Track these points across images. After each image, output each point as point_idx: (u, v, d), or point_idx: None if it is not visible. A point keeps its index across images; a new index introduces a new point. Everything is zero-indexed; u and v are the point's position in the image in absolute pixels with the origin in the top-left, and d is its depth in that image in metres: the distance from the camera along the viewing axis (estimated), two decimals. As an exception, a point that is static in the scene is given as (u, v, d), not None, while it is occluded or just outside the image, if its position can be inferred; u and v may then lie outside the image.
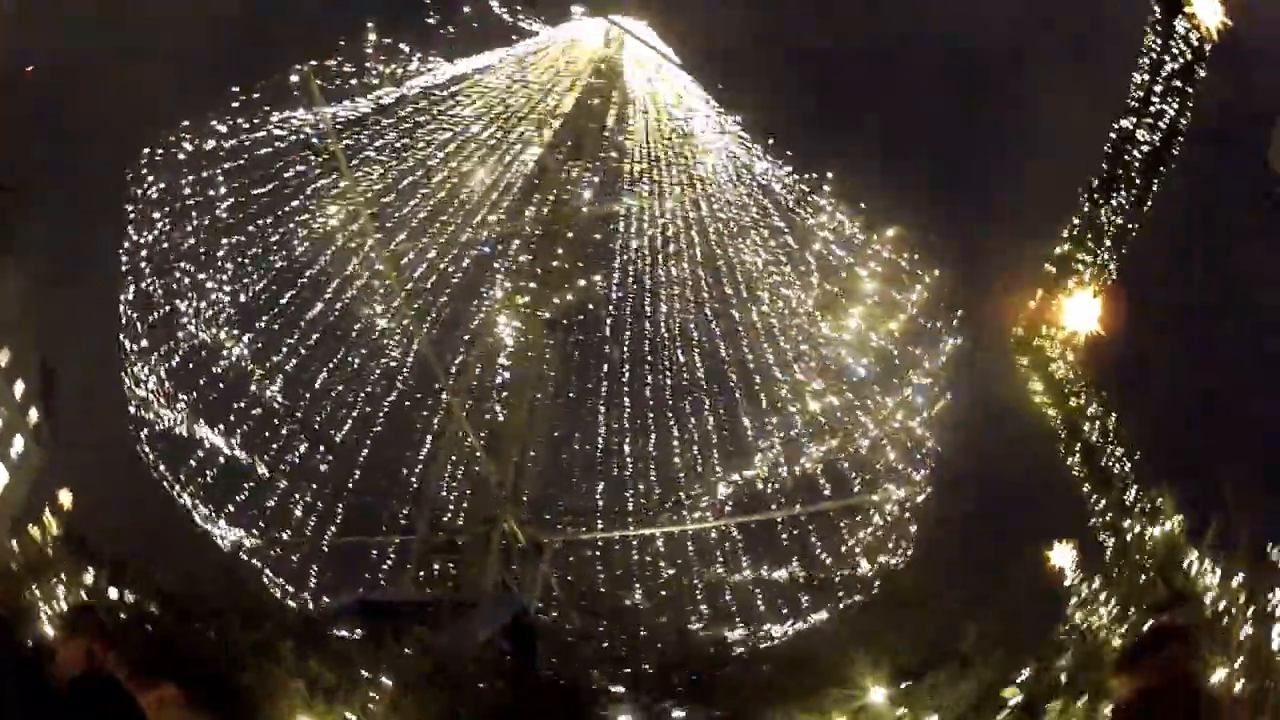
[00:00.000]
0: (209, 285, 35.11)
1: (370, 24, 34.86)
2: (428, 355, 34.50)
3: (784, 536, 31.30)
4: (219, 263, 35.42)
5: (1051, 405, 25.51)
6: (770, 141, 35.47)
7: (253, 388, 35.22)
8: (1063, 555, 22.49)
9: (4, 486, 63.25)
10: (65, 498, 31.98)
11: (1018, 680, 12.37)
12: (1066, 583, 18.45)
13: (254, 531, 36.22)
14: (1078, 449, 25.12)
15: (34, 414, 65.58)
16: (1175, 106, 22.47)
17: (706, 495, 31.72)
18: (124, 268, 35.12)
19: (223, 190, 34.64)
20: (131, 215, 34.15)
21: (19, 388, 64.41)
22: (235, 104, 33.81)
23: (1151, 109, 23.21)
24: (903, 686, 11.80)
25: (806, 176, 33.97)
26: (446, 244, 36.80)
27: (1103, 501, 24.21)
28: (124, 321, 33.94)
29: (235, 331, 35.30)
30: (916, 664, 12.53)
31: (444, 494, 35.14)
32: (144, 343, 33.98)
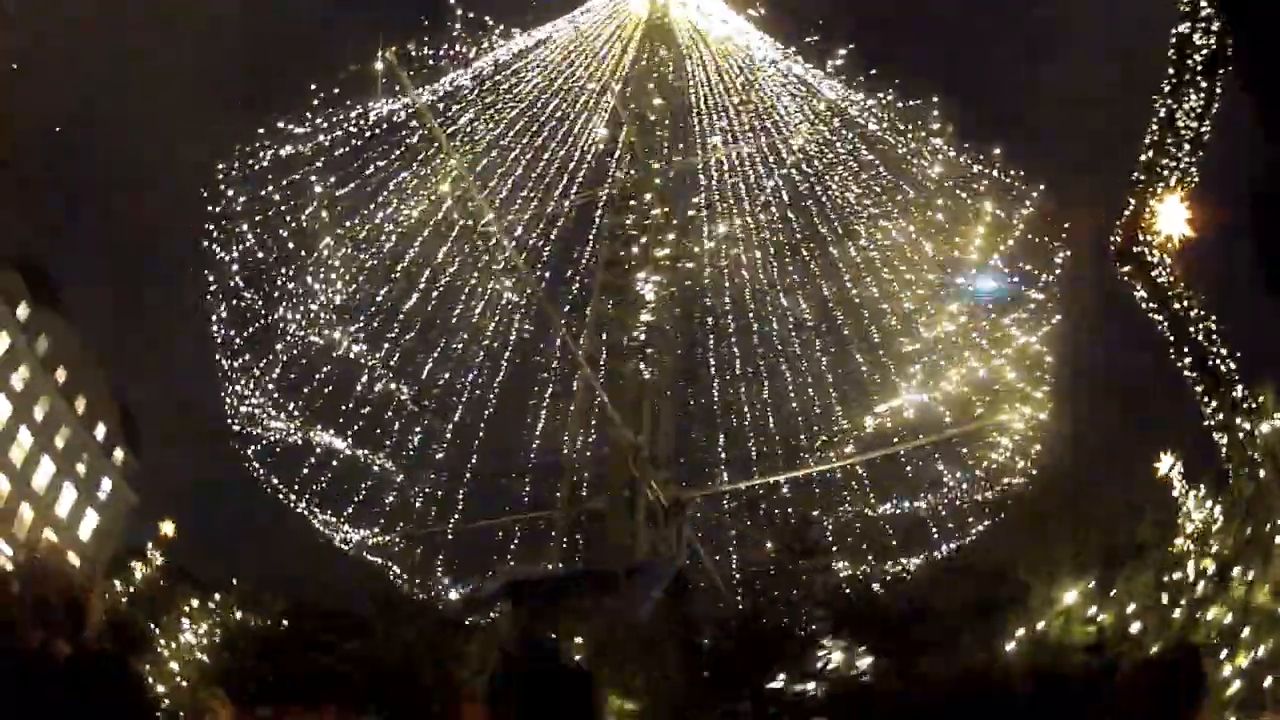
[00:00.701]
0: (310, 288, 37.03)
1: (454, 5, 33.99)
2: (554, 321, 36.40)
3: (908, 469, 32.54)
4: (316, 265, 37.31)
5: (1157, 311, 25.79)
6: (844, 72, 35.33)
7: (365, 382, 36.96)
8: (1168, 464, 23.26)
9: (94, 529, 67.28)
10: (167, 528, 32.16)
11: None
12: (1174, 492, 19.76)
13: (378, 528, 36.60)
14: (1186, 352, 25.44)
15: (119, 454, 69.64)
16: (1224, 8, 22.05)
17: (826, 435, 33.12)
18: (212, 287, 35.64)
19: (310, 192, 36.56)
20: (215, 233, 34.98)
21: (100, 431, 68.79)
22: (313, 102, 35.44)
23: (1202, 12, 22.77)
24: (1090, 585, 12.69)
25: (892, 104, 34.06)
26: (531, 220, 37.64)
27: (1214, 402, 24.52)
28: (220, 341, 35.41)
29: (342, 329, 37.50)
30: (1090, 563, 14.20)
31: (579, 463, 36.05)
32: (245, 357, 36.40)
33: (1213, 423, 24.35)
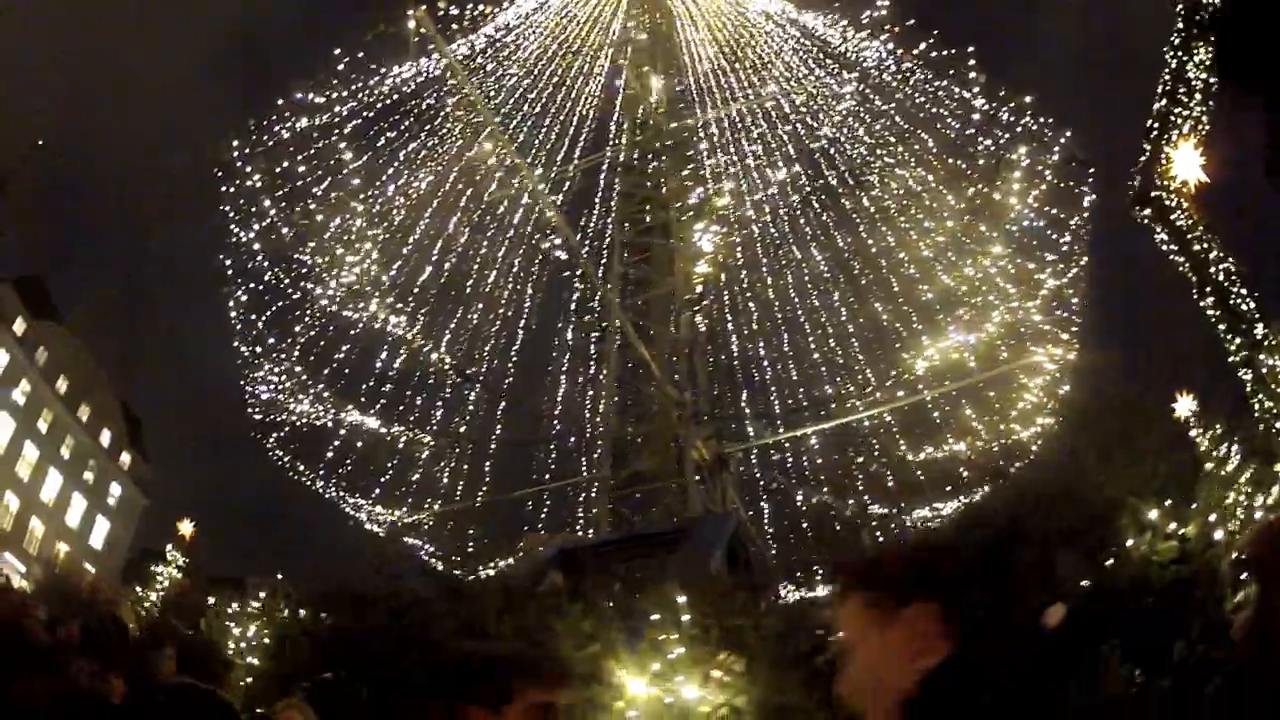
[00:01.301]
0: (333, 261, 36.99)
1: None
2: (593, 277, 36.81)
3: (937, 415, 33.33)
4: (339, 237, 37.23)
5: (1178, 253, 26.78)
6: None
7: (395, 352, 37.01)
8: (1185, 405, 24.43)
9: (107, 534, 66.60)
10: (186, 528, 31.29)
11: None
12: (1192, 432, 21.08)
13: (409, 507, 36.50)
14: (1208, 291, 26.50)
15: (125, 458, 68.95)
16: None
17: (854, 386, 33.81)
18: (229, 270, 35.57)
19: (332, 162, 36.50)
20: (231, 212, 34.62)
21: (105, 436, 68.09)
22: (332, 70, 35.07)
23: None
24: (1167, 503, 13.28)
25: (906, 52, 34.07)
26: (535, 188, 36.85)
27: (1237, 339, 25.66)
28: (240, 327, 35.71)
29: (369, 300, 37.51)
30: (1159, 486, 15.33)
31: (618, 426, 36.52)
32: (268, 340, 36.23)
33: (1236, 359, 25.65)
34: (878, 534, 31.27)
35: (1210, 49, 24.12)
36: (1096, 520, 13.81)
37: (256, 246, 34.82)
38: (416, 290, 36.33)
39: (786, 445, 35.62)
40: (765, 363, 35.76)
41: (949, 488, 32.25)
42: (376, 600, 23.61)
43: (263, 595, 26.66)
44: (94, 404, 65.01)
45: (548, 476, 36.38)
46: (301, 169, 33.91)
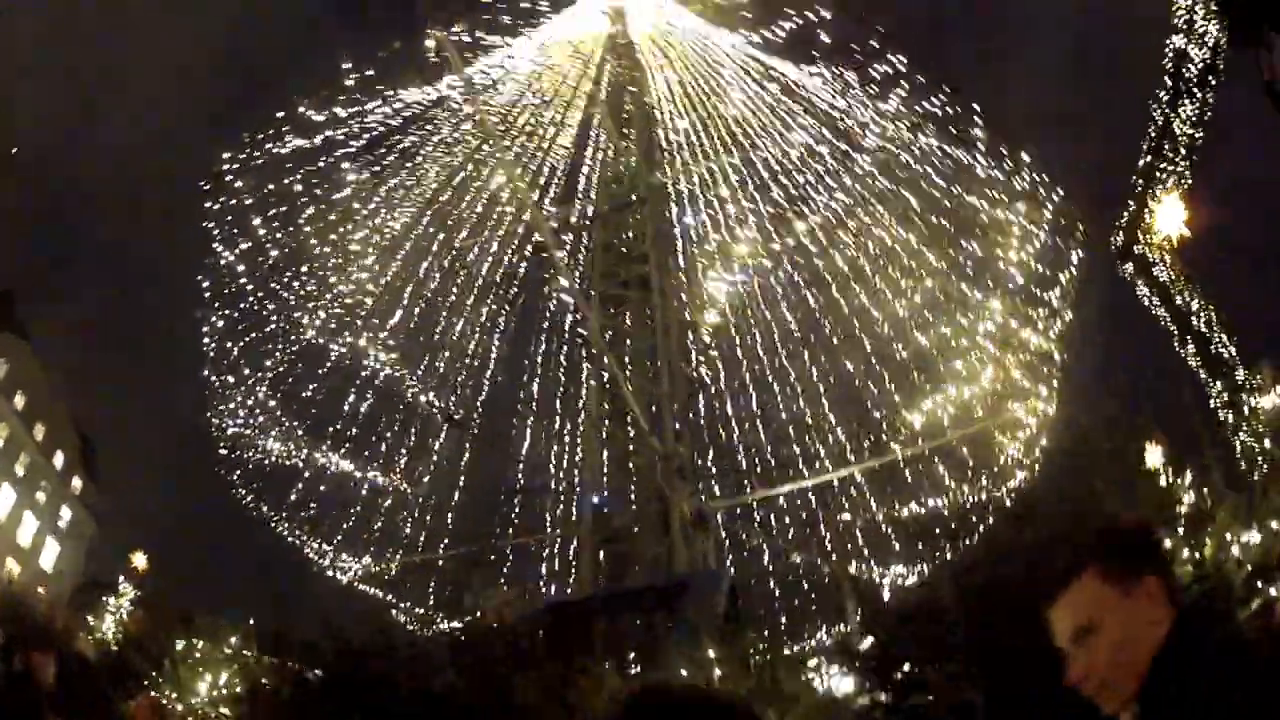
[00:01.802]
0: (327, 287, 34.43)
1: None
2: (592, 331, 36.29)
3: (908, 474, 32.88)
4: (326, 265, 34.18)
5: (1160, 305, 28.04)
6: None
7: (378, 393, 34.29)
8: (1155, 455, 25.12)
9: (56, 557, 63.49)
10: (139, 560, 30.17)
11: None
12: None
13: (384, 556, 34.55)
14: (1189, 340, 27.67)
15: (77, 482, 65.85)
16: (1215, 24, 24.51)
17: (823, 444, 33.29)
18: (209, 295, 33.37)
19: (332, 181, 33.46)
20: (216, 232, 32.68)
21: (59, 459, 65.23)
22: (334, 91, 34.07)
23: (1196, 26, 25.30)
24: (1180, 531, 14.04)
25: (891, 110, 34.32)
26: (506, 236, 36.23)
27: (1219, 383, 26.72)
28: (212, 354, 33.54)
29: (356, 336, 34.39)
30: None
31: (598, 479, 34.37)
32: (243, 371, 33.65)
33: (1218, 402, 26.56)
34: (856, 592, 30.76)
35: (1196, 106, 25.83)
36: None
37: (240, 268, 33.75)
38: (409, 329, 35.15)
39: (770, 503, 34.19)
40: (754, 418, 35.21)
41: (932, 541, 31.89)
42: (373, 652, 23.31)
43: (234, 641, 25.99)
44: (49, 425, 62.20)
45: (510, 531, 35.24)
46: (297, 188, 33.95)
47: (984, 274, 32.16)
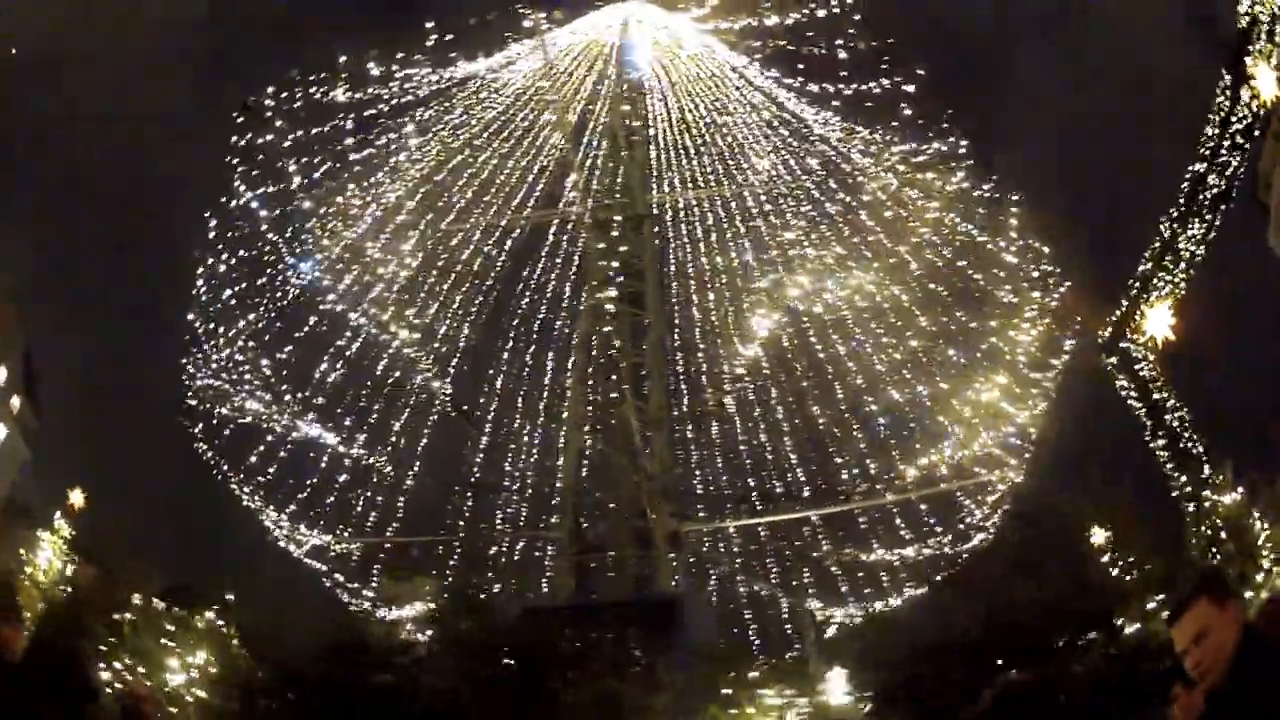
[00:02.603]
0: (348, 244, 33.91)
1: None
2: (587, 344, 35.47)
3: (863, 521, 34.30)
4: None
5: (1138, 399, 30.82)
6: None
7: (384, 366, 34.11)
8: (1099, 537, 27.77)
9: None
10: (77, 497, 28.55)
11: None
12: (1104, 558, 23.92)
13: (338, 533, 33.77)
14: (1161, 434, 30.55)
15: (15, 401, 62.16)
16: (1237, 158, 27.56)
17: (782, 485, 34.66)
18: (213, 236, 32.23)
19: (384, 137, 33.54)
20: (240, 168, 31.79)
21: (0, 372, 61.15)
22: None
23: (1220, 159, 28.32)
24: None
25: (902, 154, 33.09)
26: (487, 228, 36.21)
27: (1184, 477, 29.66)
28: (202, 299, 32.48)
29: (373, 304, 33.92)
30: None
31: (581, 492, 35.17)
32: (229, 321, 32.65)
33: (1180, 494, 29.44)
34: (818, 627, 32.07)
35: (1204, 226, 28.80)
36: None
37: (255, 206, 32.39)
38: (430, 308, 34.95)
39: (746, 531, 35.22)
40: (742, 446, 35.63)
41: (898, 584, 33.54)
42: (378, 651, 23.05)
43: (209, 616, 26.28)
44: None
45: (494, 524, 35.52)
46: (339, 140, 32.80)
47: (974, 343, 34.23)
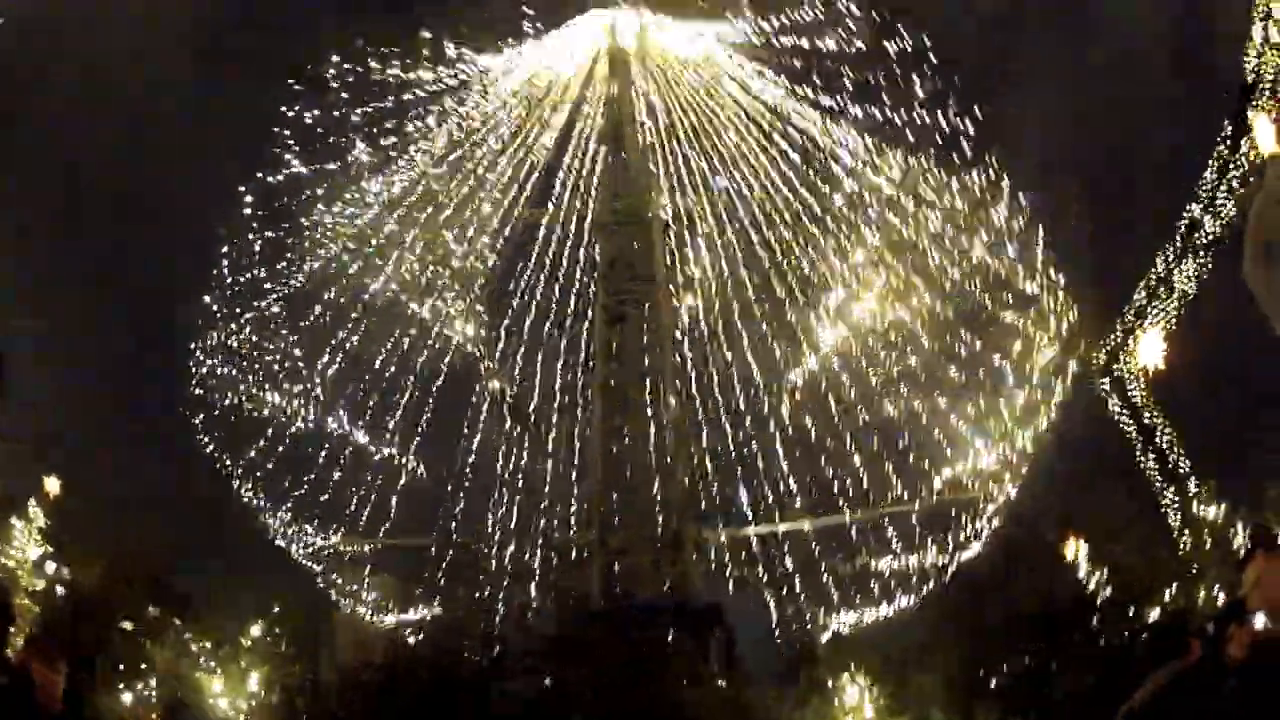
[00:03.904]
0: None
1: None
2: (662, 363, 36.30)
3: (855, 532, 35.38)
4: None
5: (1129, 420, 33.52)
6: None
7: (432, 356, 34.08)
8: (1072, 549, 30.37)
9: None
10: (52, 485, 27.51)
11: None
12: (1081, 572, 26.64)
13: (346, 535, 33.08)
14: (1150, 452, 33.27)
15: None
16: (1234, 205, 30.48)
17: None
18: (248, 213, 32.40)
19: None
20: (289, 142, 32.17)
21: None
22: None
23: (1217, 203, 31.22)
24: None
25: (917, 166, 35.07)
26: (480, 226, 36.57)
27: (1170, 491, 32.41)
28: (226, 274, 32.30)
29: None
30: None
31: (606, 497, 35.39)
32: (245, 304, 32.50)
33: (1168, 508, 32.17)
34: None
35: (1198, 265, 31.67)
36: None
37: (295, 165, 32.69)
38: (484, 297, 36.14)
39: (769, 539, 35.44)
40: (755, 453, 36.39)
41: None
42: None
43: (254, 633, 26.31)
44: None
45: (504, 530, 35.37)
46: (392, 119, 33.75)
47: (977, 363, 36.39)
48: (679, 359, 39.98)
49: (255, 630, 27.19)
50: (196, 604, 29.08)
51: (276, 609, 27.69)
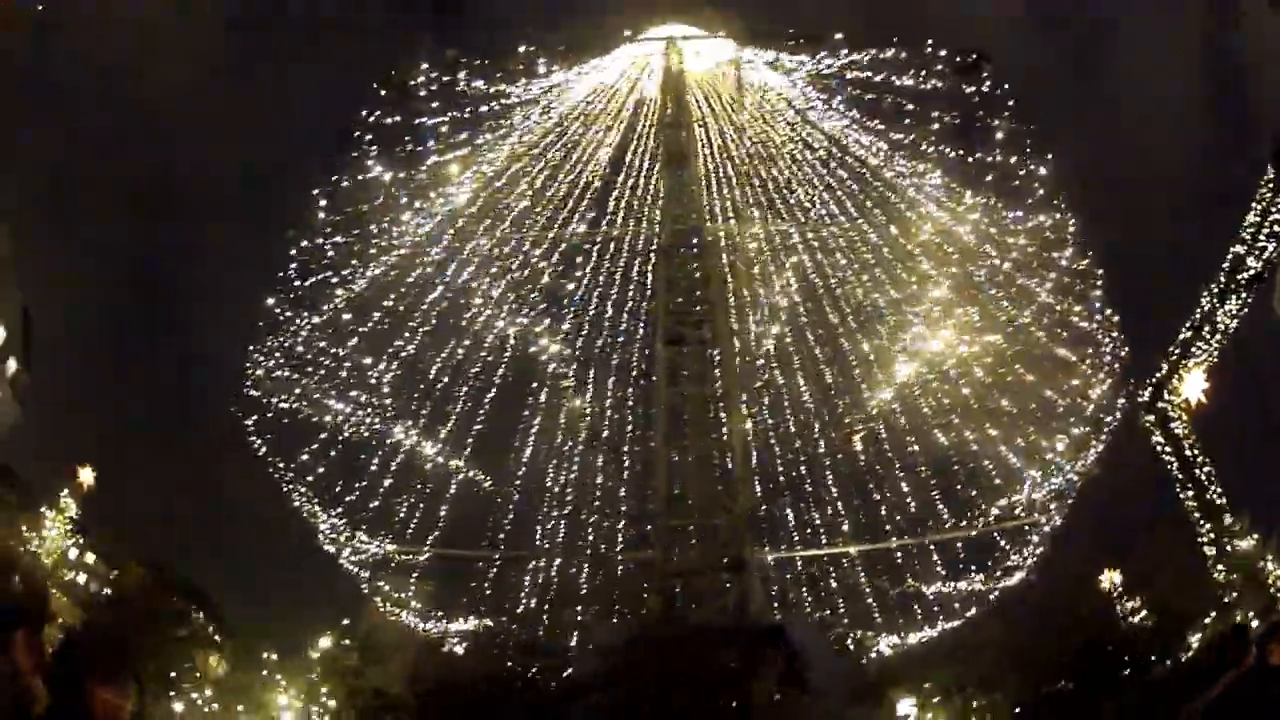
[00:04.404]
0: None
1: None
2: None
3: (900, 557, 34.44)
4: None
5: (1170, 453, 34.17)
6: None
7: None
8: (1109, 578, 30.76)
9: None
10: (86, 475, 26.92)
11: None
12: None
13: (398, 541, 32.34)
14: (1189, 485, 33.77)
15: (11, 364, 57.36)
16: (1275, 243, 31.31)
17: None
18: (323, 215, 31.93)
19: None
20: (363, 143, 31.80)
21: None
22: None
23: (1259, 243, 32.04)
24: None
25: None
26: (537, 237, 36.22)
27: (1208, 524, 32.80)
28: (292, 276, 31.85)
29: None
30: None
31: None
32: (309, 307, 32.09)
33: (1204, 539, 32.64)
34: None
35: (1240, 302, 32.51)
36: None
37: (374, 169, 32.62)
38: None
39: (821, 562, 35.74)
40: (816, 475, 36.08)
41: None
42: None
43: (323, 646, 26.29)
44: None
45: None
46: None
47: (1026, 396, 36.88)
48: (743, 381, 40.10)
49: (324, 642, 26.82)
50: (250, 612, 29.45)
51: (346, 621, 27.46)
